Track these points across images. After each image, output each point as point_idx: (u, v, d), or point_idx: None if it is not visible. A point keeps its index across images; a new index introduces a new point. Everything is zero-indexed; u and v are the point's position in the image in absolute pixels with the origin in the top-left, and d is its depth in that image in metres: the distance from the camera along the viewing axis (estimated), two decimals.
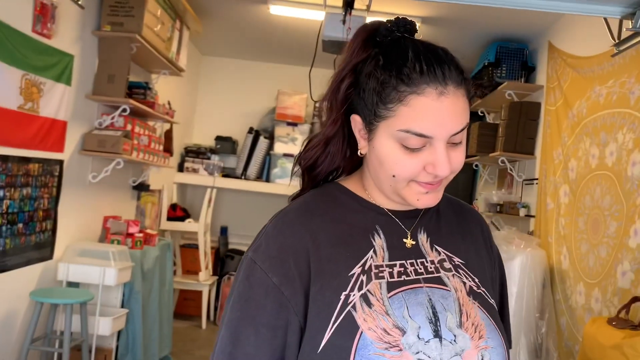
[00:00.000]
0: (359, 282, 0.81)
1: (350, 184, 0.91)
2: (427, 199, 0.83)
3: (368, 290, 0.80)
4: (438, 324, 0.80)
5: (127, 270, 3.10)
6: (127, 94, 3.40)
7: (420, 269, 0.85)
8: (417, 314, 0.79)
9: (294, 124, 5.10)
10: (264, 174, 5.19)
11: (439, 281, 0.84)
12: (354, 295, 0.79)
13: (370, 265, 0.82)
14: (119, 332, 3.20)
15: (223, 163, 5.22)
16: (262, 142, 5.13)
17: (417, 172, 0.80)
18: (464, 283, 0.86)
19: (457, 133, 0.79)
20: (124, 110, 3.29)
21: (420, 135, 0.77)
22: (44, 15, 2.62)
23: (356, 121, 0.85)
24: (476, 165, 4.65)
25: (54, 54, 2.76)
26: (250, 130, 5.18)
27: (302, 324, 0.80)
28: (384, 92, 0.78)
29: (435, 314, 0.80)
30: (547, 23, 3.63)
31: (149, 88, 3.60)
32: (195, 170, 5.11)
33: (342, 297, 0.79)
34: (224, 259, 5.26)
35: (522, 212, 3.66)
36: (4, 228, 2.51)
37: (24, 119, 2.56)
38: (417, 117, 0.77)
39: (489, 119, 4.53)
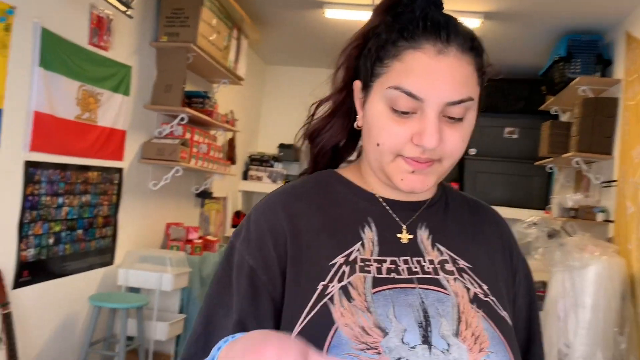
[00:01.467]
0: (339, 273, 0.72)
1: (349, 171, 0.83)
2: (413, 181, 0.72)
3: (349, 282, 0.70)
4: (429, 329, 0.69)
5: (184, 275, 3.14)
6: (185, 103, 3.48)
7: (416, 267, 0.74)
8: (405, 315, 0.69)
9: None
10: None
11: (437, 283, 0.73)
12: (332, 286, 0.70)
13: (356, 258, 0.73)
14: (178, 337, 3.24)
15: (286, 170, 5.23)
16: None
17: (402, 142, 0.70)
18: (468, 289, 0.74)
19: (455, 104, 0.69)
20: (182, 119, 3.35)
21: (410, 94, 0.68)
22: (100, 28, 2.72)
23: (356, 87, 0.78)
24: (550, 168, 4.35)
25: (111, 65, 2.86)
26: None
27: (280, 309, 0.72)
28: (384, 48, 0.72)
29: (427, 318, 0.70)
30: (623, 11, 3.33)
31: (208, 97, 3.65)
32: (259, 178, 5.15)
33: (320, 287, 0.70)
34: None
35: (600, 217, 3.36)
36: (63, 234, 2.61)
37: (82, 128, 2.65)
38: (409, 73, 0.69)
39: (563, 118, 4.23)
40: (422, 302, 0.71)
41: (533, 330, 0.84)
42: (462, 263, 0.77)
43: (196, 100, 3.59)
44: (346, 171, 0.83)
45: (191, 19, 3.24)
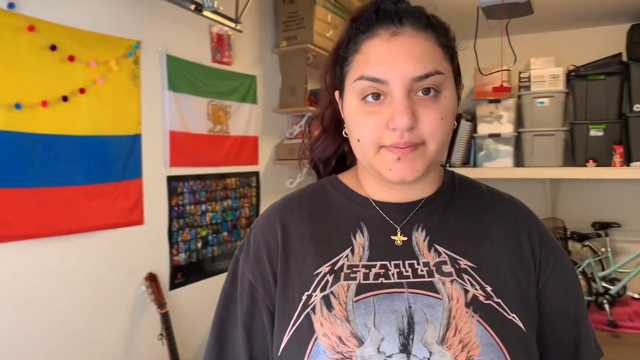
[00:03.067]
0: (322, 282, 0.74)
1: (347, 176, 0.85)
2: (400, 169, 0.71)
3: (332, 292, 0.72)
4: (411, 337, 0.68)
5: None
6: (312, 101, 3.59)
7: (407, 271, 0.73)
8: (387, 323, 0.69)
9: (497, 101, 4.72)
10: (470, 159, 4.93)
11: (429, 287, 0.72)
12: (315, 296, 0.73)
13: (342, 265, 0.74)
14: None
15: None
16: (464, 125, 4.87)
17: (379, 131, 0.71)
18: (466, 291, 0.72)
19: (422, 78, 0.69)
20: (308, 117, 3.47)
21: (373, 79, 0.70)
22: (220, 45, 2.93)
23: (337, 97, 0.80)
24: None
25: (236, 78, 3.07)
26: None
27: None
28: (347, 48, 0.75)
29: (411, 324, 0.69)
30: None
31: None
32: None
33: (304, 297, 0.73)
34: None
35: None
36: (210, 237, 2.88)
37: (215, 140, 2.89)
38: (368, 60, 0.71)
39: None
40: (409, 307, 0.70)
41: (580, 330, 0.77)
42: (465, 263, 0.74)
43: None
44: (345, 176, 0.85)
45: (306, 20, 3.33)
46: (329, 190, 0.84)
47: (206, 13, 2.47)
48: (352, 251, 0.75)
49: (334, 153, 0.87)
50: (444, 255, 0.75)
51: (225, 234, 2.99)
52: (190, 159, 2.73)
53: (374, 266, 0.74)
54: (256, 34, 3.25)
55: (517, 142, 4.74)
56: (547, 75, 4.61)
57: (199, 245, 2.80)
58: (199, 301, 2.77)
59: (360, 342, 0.68)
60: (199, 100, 2.78)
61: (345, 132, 0.80)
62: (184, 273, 2.69)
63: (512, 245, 0.78)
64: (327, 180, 0.86)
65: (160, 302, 2.41)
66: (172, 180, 2.62)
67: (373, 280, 0.72)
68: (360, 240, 0.76)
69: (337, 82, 0.80)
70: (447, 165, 4.94)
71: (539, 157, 4.64)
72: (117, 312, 2.33)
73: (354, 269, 0.73)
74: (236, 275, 0.80)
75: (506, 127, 4.71)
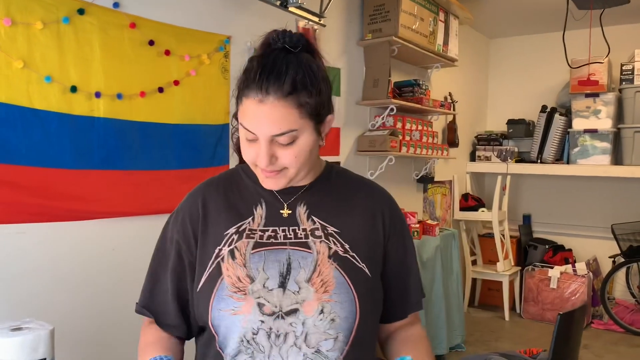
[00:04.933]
0: (230, 240, 1.04)
1: None
2: (268, 183, 1.03)
3: (236, 246, 1.02)
4: (287, 277, 1.00)
5: None
6: (396, 93, 3.62)
7: (290, 234, 1.04)
8: (272, 268, 1.00)
9: (595, 95, 4.48)
10: (564, 155, 4.71)
11: (305, 245, 1.03)
12: (224, 249, 1.03)
13: (245, 228, 1.04)
14: None
15: (517, 147, 4.96)
16: (558, 120, 4.67)
17: (252, 159, 0.99)
18: (330, 248, 1.03)
19: (279, 135, 0.95)
20: (392, 110, 3.50)
21: (248, 130, 0.96)
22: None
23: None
24: None
25: None
26: (544, 108, 4.77)
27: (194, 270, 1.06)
28: (238, 87, 0.98)
29: (289, 269, 1.00)
30: None
31: (418, 85, 3.73)
32: (487, 158, 5.00)
33: (216, 250, 1.04)
34: (526, 249, 4.98)
35: None
36: None
37: None
38: (244, 114, 0.97)
39: None
40: (289, 258, 1.01)
41: (410, 277, 1.14)
42: (331, 229, 1.05)
43: (406, 89, 3.70)
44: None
45: (391, 13, 3.36)
46: (241, 175, 1.12)
47: (291, 9, 2.58)
48: (253, 219, 1.06)
49: None
50: (317, 223, 1.05)
51: None
52: None
53: (267, 230, 1.04)
54: (342, 27, 3.33)
55: (616, 139, 4.47)
56: None
57: None
58: None
59: (252, 280, 0.99)
60: None
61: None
62: None
63: (367, 217, 1.08)
64: (240, 167, 1.14)
65: None
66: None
67: (266, 240, 1.03)
68: (260, 212, 1.06)
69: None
70: (539, 161, 4.77)
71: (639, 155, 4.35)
72: None
73: (253, 232, 1.04)
74: (166, 234, 1.11)
75: (604, 123, 4.45)
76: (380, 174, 3.59)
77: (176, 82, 2.32)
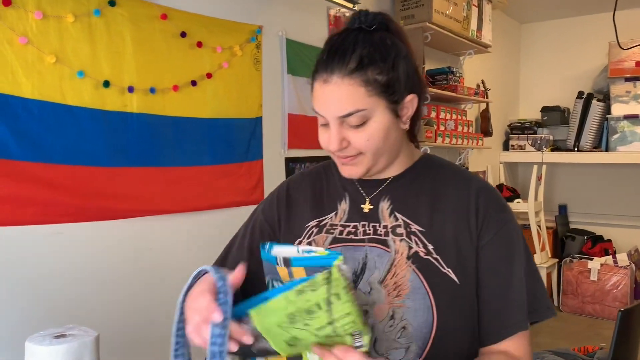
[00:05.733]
0: (309, 233, 1.00)
1: None
2: (345, 170, 0.97)
3: (314, 240, 0.99)
4: (361, 277, 0.92)
5: None
6: (429, 82, 3.50)
7: (369, 230, 0.97)
8: (347, 265, 0.89)
9: (635, 79, 4.29)
10: (602, 143, 4.54)
11: (384, 243, 0.94)
12: (302, 242, 1.00)
13: (326, 223, 1.00)
14: None
15: (552, 136, 4.80)
16: (596, 106, 4.49)
17: (325, 145, 0.95)
18: (410, 248, 0.93)
19: (346, 116, 0.89)
20: (426, 99, 3.38)
21: (318, 113, 0.93)
22: (338, 27, 2.93)
23: None
24: None
25: None
26: (580, 94, 4.60)
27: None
28: (312, 74, 0.95)
29: (363, 269, 0.93)
30: None
31: (452, 72, 3.60)
32: (521, 147, 4.85)
33: (296, 242, 1.01)
34: (563, 240, 4.83)
35: None
36: None
37: None
38: (314, 98, 0.94)
39: None
40: (366, 256, 0.94)
41: (509, 290, 0.94)
42: (415, 227, 0.95)
43: (439, 77, 3.58)
44: None
45: None
46: (331, 168, 1.07)
47: None
48: (336, 214, 1.01)
49: None
50: (400, 220, 0.96)
51: None
52: (306, 141, 2.77)
53: (348, 226, 0.99)
54: None
55: None
56: None
57: None
58: None
59: None
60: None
61: None
62: None
63: (459, 215, 0.95)
64: (331, 161, 1.07)
65: None
66: (289, 161, 2.68)
67: (345, 236, 0.98)
68: (344, 207, 1.01)
69: None
70: (575, 149, 4.61)
71: None
72: None
73: (334, 227, 0.99)
74: (253, 215, 1.12)
75: None
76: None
77: (209, 75, 2.24)
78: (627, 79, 4.32)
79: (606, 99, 4.51)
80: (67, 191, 1.79)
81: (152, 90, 2.03)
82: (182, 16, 2.13)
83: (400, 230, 0.95)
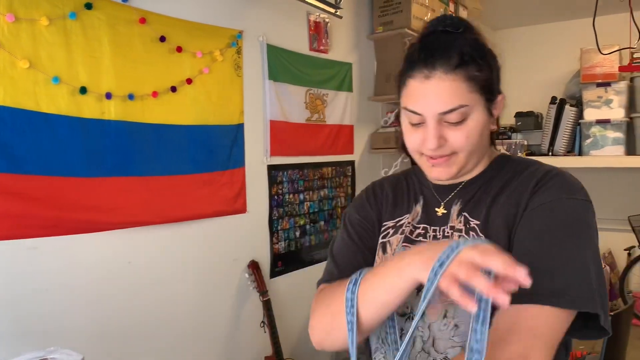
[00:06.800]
0: (386, 232, 1.03)
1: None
2: (436, 172, 0.96)
3: (388, 240, 1.02)
4: None
5: None
6: None
7: (439, 234, 0.98)
8: None
9: (607, 84, 4.37)
10: (575, 147, 4.60)
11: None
12: (379, 242, 1.04)
13: (402, 224, 1.03)
14: None
15: (527, 141, 4.84)
16: (569, 111, 4.55)
17: (418, 145, 0.94)
18: None
19: (447, 112, 0.88)
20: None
21: (413, 111, 0.91)
22: (318, 32, 2.90)
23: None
24: None
25: (333, 66, 3.02)
26: (553, 100, 4.66)
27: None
28: (401, 75, 0.94)
29: None
30: None
31: None
32: None
33: (379, 240, 1.05)
34: None
35: None
36: (307, 227, 2.87)
37: (313, 129, 2.87)
38: (409, 96, 0.91)
39: None
40: None
41: (539, 262, 0.83)
42: (474, 223, 0.95)
43: None
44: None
45: (403, 4, 3.22)
46: (411, 175, 1.11)
47: None
48: (410, 216, 1.03)
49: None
50: (464, 218, 0.97)
51: (322, 223, 2.97)
52: (289, 149, 2.72)
53: (419, 227, 1.01)
54: (352, 20, 3.19)
55: (629, 129, 4.36)
56: None
57: (297, 234, 2.80)
58: (297, 290, 2.77)
59: None
60: (297, 89, 2.76)
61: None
62: (284, 261, 2.69)
63: (513, 203, 0.92)
64: (413, 167, 1.11)
65: (262, 290, 2.42)
66: (272, 169, 2.63)
67: (414, 237, 1.00)
68: (418, 209, 1.04)
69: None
70: (550, 154, 4.66)
71: None
72: (222, 298, 2.37)
73: (406, 227, 1.01)
74: (345, 219, 1.12)
75: (617, 113, 4.34)
76: (395, 171, 3.46)
77: (189, 81, 2.17)
78: (599, 85, 4.39)
79: (579, 104, 4.58)
80: (42, 203, 1.70)
81: (131, 97, 1.95)
82: (161, 20, 2.06)
83: (460, 226, 0.96)
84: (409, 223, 1.02)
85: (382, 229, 1.03)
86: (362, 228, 1.07)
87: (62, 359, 1.12)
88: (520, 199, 0.92)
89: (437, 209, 1.01)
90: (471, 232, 0.94)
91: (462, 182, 1.01)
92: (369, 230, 1.06)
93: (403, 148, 1.04)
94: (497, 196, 0.96)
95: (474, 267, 0.68)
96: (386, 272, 0.82)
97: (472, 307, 0.67)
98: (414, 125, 0.93)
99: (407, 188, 1.08)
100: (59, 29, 1.73)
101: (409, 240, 0.99)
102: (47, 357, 1.14)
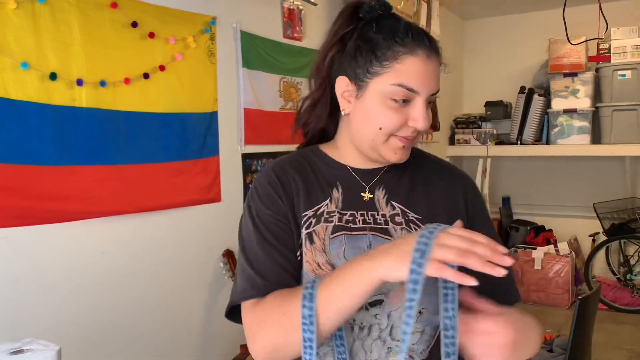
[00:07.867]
0: (307, 223, 0.95)
1: (327, 147, 1.05)
2: (403, 153, 0.95)
3: (314, 230, 0.94)
4: None
5: None
6: None
7: (369, 219, 0.96)
8: (353, 254, 0.91)
9: (573, 74, 4.47)
10: (543, 136, 4.71)
11: (385, 232, 0.95)
12: (303, 233, 0.95)
13: (323, 212, 0.96)
14: None
15: (496, 130, 4.93)
16: (537, 101, 4.65)
17: (400, 125, 0.91)
18: None
19: (434, 94, 0.92)
20: None
21: (410, 89, 0.89)
22: (291, 20, 2.88)
23: (342, 82, 0.95)
24: None
25: (307, 54, 3.01)
26: (522, 89, 4.75)
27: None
28: (380, 51, 0.90)
29: None
30: None
31: None
32: (466, 142, 4.95)
33: (302, 231, 0.96)
34: (508, 231, 4.98)
35: None
36: None
37: (287, 117, 2.86)
38: (409, 73, 0.89)
39: None
40: (370, 245, 0.93)
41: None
42: (412, 215, 0.97)
43: None
44: (325, 147, 1.05)
45: None
46: (312, 157, 1.03)
47: None
48: (330, 201, 0.97)
49: (322, 128, 1.04)
50: (397, 209, 0.97)
51: None
52: (263, 137, 2.71)
53: (345, 214, 0.96)
54: (325, 7, 3.18)
55: (595, 118, 4.48)
56: (629, 45, 4.31)
57: None
58: None
59: (333, 268, 0.90)
60: (272, 77, 2.74)
61: (345, 112, 0.97)
62: None
63: (448, 200, 1.00)
64: (309, 150, 1.05)
65: None
66: (246, 157, 2.61)
67: (344, 224, 0.95)
68: (336, 195, 0.98)
69: (340, 70, 0.95)
70: (519, 142, 4.75)
71: (618, 134, 4.36)
72: (196, 288, 2.36)
73: (331, 214, 0.96)
74: (253, 218, 0.96)
75: (583, 102, 4.45)
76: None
77: (162, 68, 2.13)
78: (566, 75, 4.49)
79: (547, 93, 4.67)
80: (11, 193, 1.65)
81: (102, 84, 1.91)
82: (132, 5, 2.01)
83: (399, 218, 0.97)
84: (331, 211, 0.96)
85: (304, 219, 0.95)
86: (276, 227, 0.95)
87: (38, 349, 1.10)
88: (457, 204, 1.01)
89: (362, 194, 0.99)
90: (412, 225, 0.96)
91: (384, 167, 1.00)
92: (284, 228, 0.95)
93: (302, 129, 1.05)
94: (427, 191, 1.01)
95: (461, 248, 0.72)
96: (348, 280, 0.80)
97: (471, 281, 0.71)
98: (397, 102, 0.90)
99: (316, 173, 1.00)
100: (27, 13, 1.68)
101: (340, 228, 0.94)
102: (24, 349, 1.11)
